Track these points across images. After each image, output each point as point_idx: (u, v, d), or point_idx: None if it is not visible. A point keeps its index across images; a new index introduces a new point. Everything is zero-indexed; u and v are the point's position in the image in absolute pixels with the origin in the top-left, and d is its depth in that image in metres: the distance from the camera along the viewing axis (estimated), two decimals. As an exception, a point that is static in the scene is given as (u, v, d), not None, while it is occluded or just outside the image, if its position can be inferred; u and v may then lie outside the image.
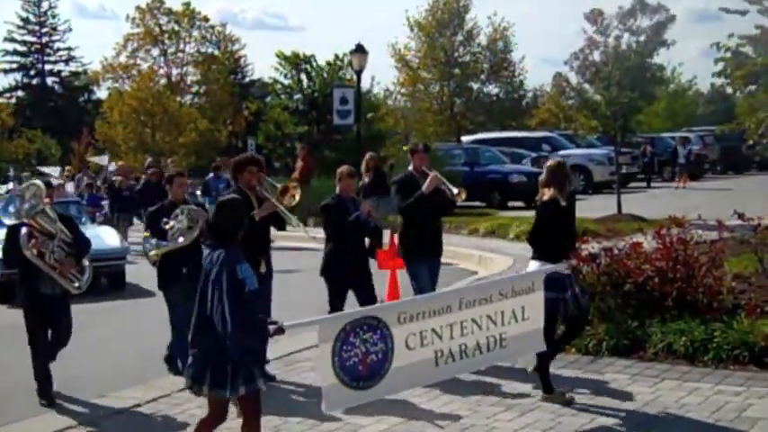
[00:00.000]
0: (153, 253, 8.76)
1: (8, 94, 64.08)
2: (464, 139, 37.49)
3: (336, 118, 28.16)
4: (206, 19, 54.99)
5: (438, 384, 7.79)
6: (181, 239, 8.63)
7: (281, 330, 5.74)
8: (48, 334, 8.71)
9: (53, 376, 8.82)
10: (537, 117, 56.56)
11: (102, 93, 60.12)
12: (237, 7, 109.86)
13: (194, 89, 55.75)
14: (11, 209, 8.51)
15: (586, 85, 24.58)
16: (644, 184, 33.00)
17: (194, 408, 7.95)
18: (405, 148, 28.21)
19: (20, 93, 65.41)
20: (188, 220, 8.64)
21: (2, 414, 8.27)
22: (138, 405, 8.11)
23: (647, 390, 7.85)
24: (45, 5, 65.38)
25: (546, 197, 7.72)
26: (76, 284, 8.58)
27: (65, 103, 64.83)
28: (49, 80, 66.59)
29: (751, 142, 23.56)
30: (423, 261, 9.28)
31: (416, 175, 9.29)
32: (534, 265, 7.73)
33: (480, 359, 6.96)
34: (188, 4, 54.04)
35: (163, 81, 53.85)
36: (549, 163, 8.06)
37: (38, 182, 8.70)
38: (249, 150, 39.70)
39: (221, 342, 5.55)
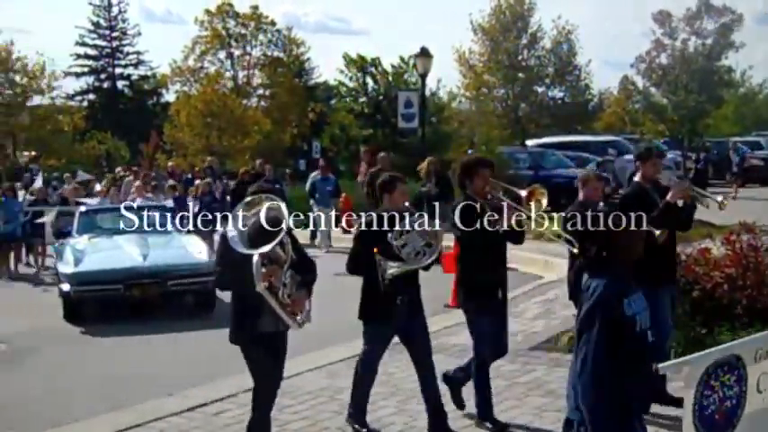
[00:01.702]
0: (391, 272, 6.89)
1: (80, 98, 65.32)
2: (529, 142, 37.30)
3: (401, 121, 28.24)
4: (273, 23, 55.46)
5: (506, 390, 7.76)
6: (426, 260, 7.00)
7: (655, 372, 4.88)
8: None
9: (114, 375, 8.86)
10: (603, 121, 56.05)
11: (170, 96, 61.02)
12: (301, 10, 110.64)
13: (260, 92, 56.24)
14: (230, 231, 6.23)
15: (653, 89, 24.37)
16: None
17: (260, 408, 8.02)
18: (469, 151, 28.20)
19: (91, 96, 66.65)
20: (423, 235, 7.01)
21: (65, 413, 8.45)
22: (205, 404, 8.20)
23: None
24: (115, 10, 66.60)
25: None
26: (299, 318, 6.63)
27: (134, 106, 65.87)
28: (120, 84, 67.77)
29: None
30: (660, 288, 7.52)
31: (646, 186, 8.03)
32: None
33: None
34: (256, 8, 54.59)
35: (229, 84, 54.44)
36: None
37: (275, 199, 6.37)
38: (314, 153, 39.91)
39: (626, 396, 4.59)
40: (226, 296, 13.31)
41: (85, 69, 66.64)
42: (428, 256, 6.97)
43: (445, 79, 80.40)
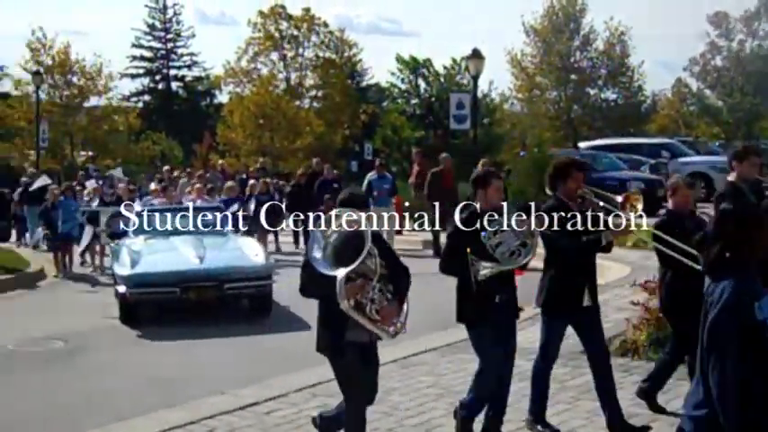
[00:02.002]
0: (485, 273, 6.51)
1: (135, 99, 66.21)
2: (581, 145, 37.10)
3: (453, 123, 28.26)
4: (325, 24, 55.73)
5: (557, 394, 7.76)
6: (521, 260, 6.66)
7: None
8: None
9: (167, 376, 8.90)
10: (656, 123, 55.51)
11: (223, 97, 61.62)
12: (353, 12, 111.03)
13: (312, 93, 56.53)
14: (315, 252, 5.90)
15: (707, 91, 24.09)
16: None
17: (311, 408, 8.07)
18: (522, 153, 28.11)
19: (146, 97, 67.54)
20: (518, 234, 6.65)
21: (118, 410, 8.58)
22: (256, 403, 8.27)
23: None
24: (170, 13, 67.44)
25: None
26: (391, 329, 6.30)
27: (188, 107, 66.62)
28: (174, 85, 68.59)
29: None
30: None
31: (743, 187, 7.62)
32: None
33: None
34: (308, 10, 54.89)
35: (282, 85, 54.79)
36: None
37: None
38: (366, 154, 39.96)
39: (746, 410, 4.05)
40: (281, 299, 13.49)
41: (141, 71, 67.56)
42: (523, 255, 6.63)
43: (497, 81, 79.94)
